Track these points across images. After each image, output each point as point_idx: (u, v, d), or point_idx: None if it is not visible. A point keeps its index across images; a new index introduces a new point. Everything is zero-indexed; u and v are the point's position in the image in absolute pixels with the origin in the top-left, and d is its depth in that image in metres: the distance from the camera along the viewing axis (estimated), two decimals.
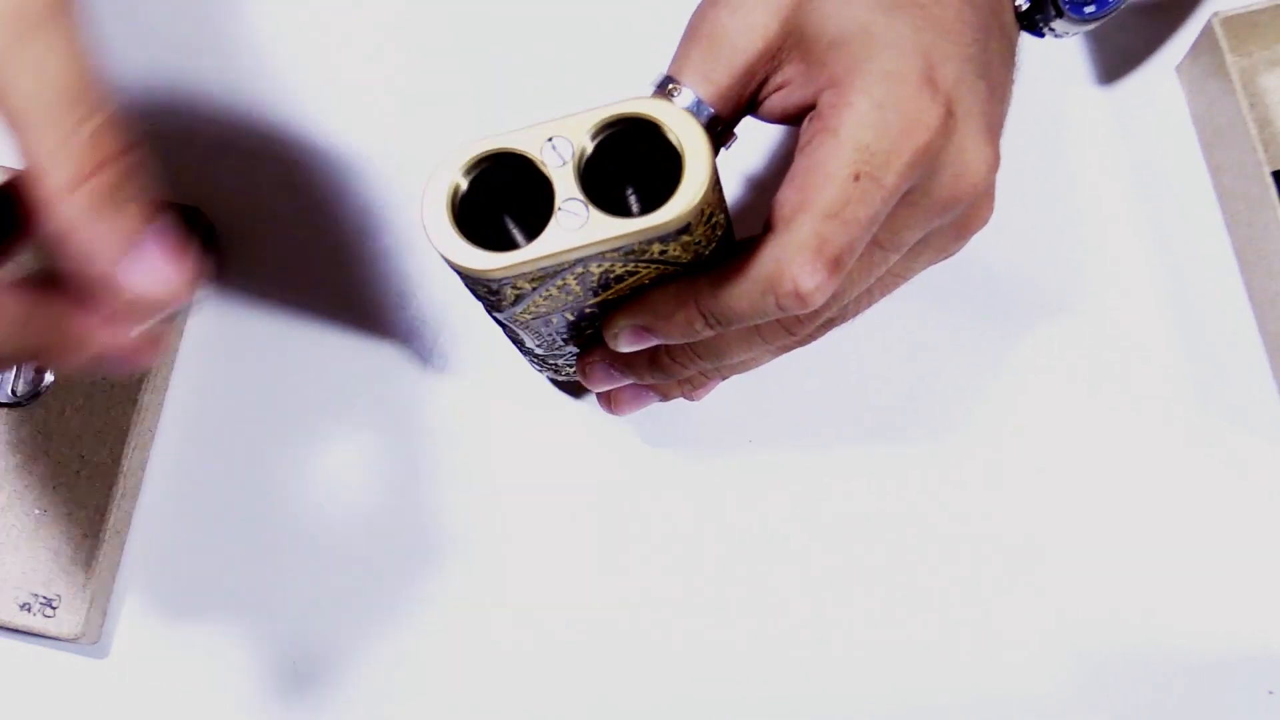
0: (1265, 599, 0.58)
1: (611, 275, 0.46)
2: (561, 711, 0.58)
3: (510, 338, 0.53)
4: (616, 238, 0.43)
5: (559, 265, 0.44)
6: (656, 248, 0.44)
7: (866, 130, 0.44)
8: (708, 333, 0.48)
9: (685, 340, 0.49)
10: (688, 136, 0.42)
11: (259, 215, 0.63)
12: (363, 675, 0.59)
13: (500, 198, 0.45)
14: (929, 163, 0.45)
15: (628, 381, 0.54)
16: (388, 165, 0.63)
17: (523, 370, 0.60)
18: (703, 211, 0.43)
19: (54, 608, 0.57)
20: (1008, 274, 0.61)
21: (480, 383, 0.61)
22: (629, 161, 0.44)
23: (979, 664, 0.58)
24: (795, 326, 0.49)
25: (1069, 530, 0.59)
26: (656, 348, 0.51)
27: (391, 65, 0.64)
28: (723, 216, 0.46)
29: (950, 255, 0.51)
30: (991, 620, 0.59)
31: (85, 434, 0.59)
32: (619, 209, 0.43)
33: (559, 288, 0.46)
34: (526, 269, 0.43)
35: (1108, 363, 0.60)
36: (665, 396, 0.56)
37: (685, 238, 0.44)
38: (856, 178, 0.44)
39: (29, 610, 0.57)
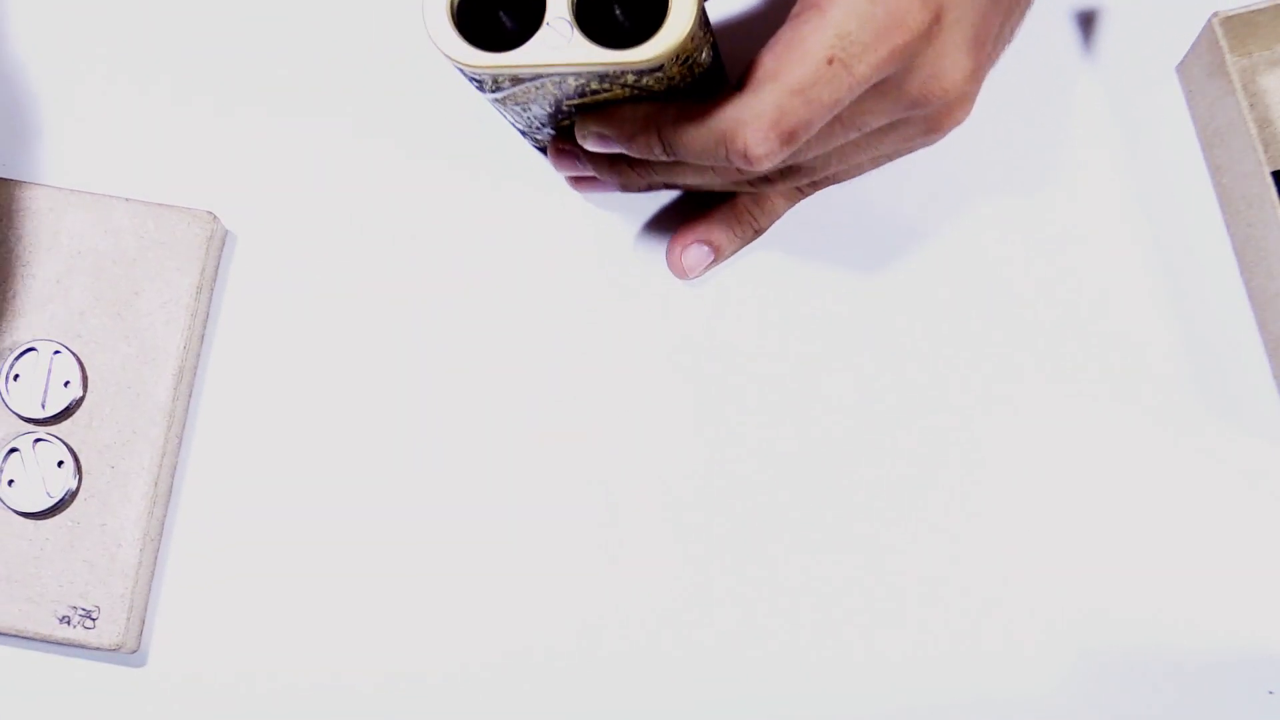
0: (1265, 599, 0.59)
1: (587, 89, 0.49)
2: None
3: (498, 110, 0.56)
4: (592, 64, 0.46)
5: (537, 73, 0.47)
6: (630, 78, 0.48)
7: (852, 19, 0.46)
8: (664, 158, 0.52)
9: (644, 158, 0.53)
10: None
11: (277, 219, 0.63)
12: (395, 683, 0.60)
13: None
14: (904, 61, 0.47)
15: (590, 172, 0.58)
16: (399, 163, 0.63)
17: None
18: (678, 56, 0.46)
19: (93, 619, 0.59)
20: (1007, 273, 0.61)
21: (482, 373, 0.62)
22: None
23: (979, 664, 0.59)
24: (747, 172, 0.52)
25: (1069, 530, 0.60)
26: (620, 155, 0.54)
27: (402, 62, 0.64)
28: (705, 56, 0.49)
29: (921, 147, 0.54)
30: (991, 620, 0.59)
31: (115, 444, 0.60)
32: (605, 25, 0.46)
33: (537, 88, 0.49)
34: (506, 71, 0.47)
35: (1108, 363, 0.61)
36: (625, 189, 0.60)
37: (659, 74, 0.47)
38: (830, 61, 0.46)
39: (69, 623, 0.59)
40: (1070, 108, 0.62)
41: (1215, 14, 0.57)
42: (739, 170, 0.51)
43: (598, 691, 0.60)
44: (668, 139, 0.50)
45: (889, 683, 0.59)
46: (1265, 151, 0.57)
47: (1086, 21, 0.63)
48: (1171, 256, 0.61)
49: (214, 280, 0.63)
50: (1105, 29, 0.62)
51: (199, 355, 0.62)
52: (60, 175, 0.62)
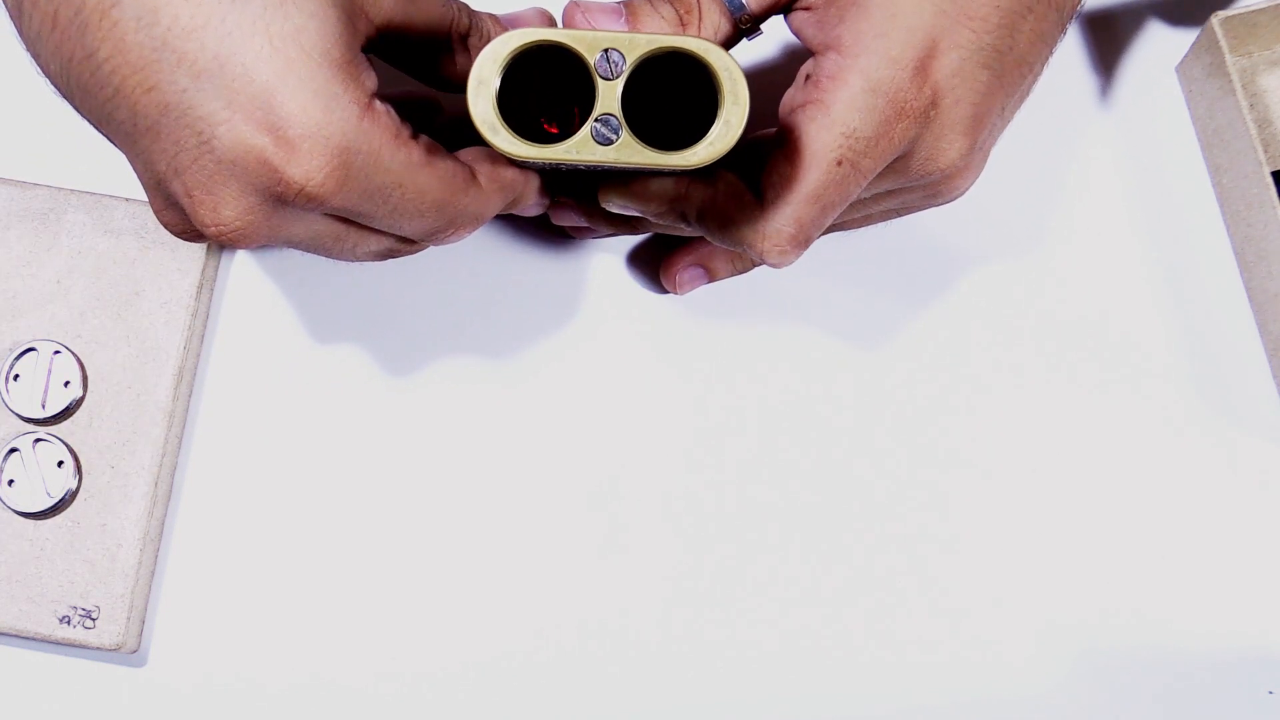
0: (1265, 599, 0.59)
1: (619, 170, 0.49)
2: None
3: None
4: (637, 163, 0.46)
5: (576, 165, 0.47)
6: (668, 170, 0.47)
7: (855, 114, 0.47)
8: (687, 232, 0.53)
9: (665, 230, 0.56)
10: (732, 90, 0.45)
11: None
12: (395, 683, 0.60)
13: (531, 81, 0.48)
14: (905, 146, 0.48)
15: (585, 223, 0.58)
16: None
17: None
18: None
19: (93, 619, 0.59)
20: (1006, 274, 0.61)
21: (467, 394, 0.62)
22: (659, 78, 0.47)
23: (979, 664, 0.59)
24: None
25: (1069, 530, 0.60)
26: (625, 216, 0.55)
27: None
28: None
29: (931, 207, 0.54)
30: (991, 620, 0.59)
31: (115, 444, 0.60)
32: (649, 122, 0.46)
33: (567, 166, 0.48)
34: (549, 162, 0.46)
35: (1107, 363, 0.61)
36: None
37: (699, 170, 0.47)
38: (839, 163, 0.48)
39: (69, 623, 0.59)
40: (1070, 107, 0.62)
41: (1215, 14, 0.57)
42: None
43: (598, 692, 0.60)
44: (692, 221, 0.52)
45: (889, 683, 0.59)
46: (1265, 151, 0.57)
47: (1086, 22, 0.63)
48: (1171, 256, 0.61)
49: (214, 280, 0.62)
50: (1105, 29, 0.62)
51: (199, 355, 0.62)
52: (60, 175, 0.62)
